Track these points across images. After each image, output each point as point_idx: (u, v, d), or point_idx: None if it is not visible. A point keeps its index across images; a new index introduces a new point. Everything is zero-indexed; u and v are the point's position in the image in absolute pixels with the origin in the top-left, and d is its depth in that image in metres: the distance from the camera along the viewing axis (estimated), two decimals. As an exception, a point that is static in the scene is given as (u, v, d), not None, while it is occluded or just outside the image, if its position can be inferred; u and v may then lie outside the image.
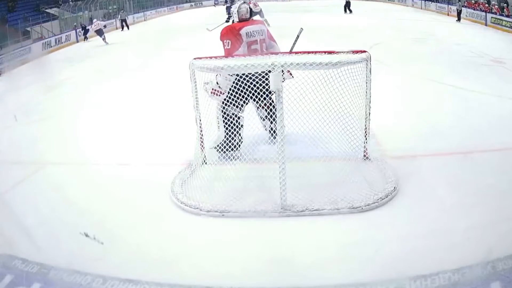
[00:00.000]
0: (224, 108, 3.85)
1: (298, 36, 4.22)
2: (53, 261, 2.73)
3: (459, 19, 16.29)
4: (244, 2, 4.13)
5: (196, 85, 3.67)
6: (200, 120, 3.78)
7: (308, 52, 3.27)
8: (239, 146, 3.83)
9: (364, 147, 3.86)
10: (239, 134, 3.83)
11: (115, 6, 22.61)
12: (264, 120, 4.12)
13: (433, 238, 2.84)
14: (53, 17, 17.84)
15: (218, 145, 3.94)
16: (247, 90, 3.46)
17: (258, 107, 4.03)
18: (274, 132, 3.70)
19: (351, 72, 3.50)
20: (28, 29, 15.36)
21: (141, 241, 3.00)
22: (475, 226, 2.93)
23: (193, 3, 29.79)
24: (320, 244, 2.90)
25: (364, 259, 2.69)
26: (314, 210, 3.20)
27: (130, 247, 2.93)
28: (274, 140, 3.69)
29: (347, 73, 3.47)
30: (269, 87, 3.20)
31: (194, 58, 3.52)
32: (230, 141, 3.77)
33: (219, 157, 3.92)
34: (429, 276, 2.46)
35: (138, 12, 22.66)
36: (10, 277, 2.62)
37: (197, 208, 3.31)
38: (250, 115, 3.96)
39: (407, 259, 2.64)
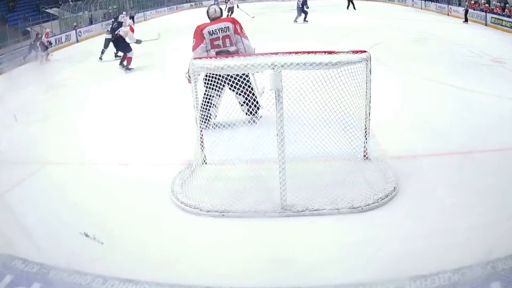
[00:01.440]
0: (205, 90, 4.12)
1: None
2: (53, 261, 2.73)
3: (466, 20, 16.00)
4: (214, 3, 4.75)
5: (196, 85, 3.67)
6: (200, 120, 3.78)
7: (308, 52, 3.28)
8: (209, 120, 3.91)
9: (364, 147, 3.86)
10: (207, 111, 3.92)
11: (115, 6, 22.60)
12: (242, 105, 4.28)
13: (433, 238, 2.84)
14: (53, 17, 17.84)
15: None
16: (218, 78, 3.67)
17: (236, 94, 4.29)
18: (252, 113, 4.06)
19: (351, 72, 3.50)
20: (28, 29, 15.35)
21: (141, 241, 3.00)
22: (475, 226, 2.93)
23: (193, 3, 29.77)
24: (320, 244, 2.90)
25: (364, 259, 2.69)
26: (314, 210, 3.20)
27: (130, 247, 2.94)
28: (255, 120, 3.92)
29: (347, 73, 3.47)
30: (242, 76, 3.49)
31: (194, 58, 3.52)
32: (203, 120, 3.91)
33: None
34: (429, 276, 2.46)
35: (138, 12, 22.62)
36: (10, 277, 2.62)
37: (197, 208, 3.31)
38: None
39: (407, 259, 2.64)
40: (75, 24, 17.26)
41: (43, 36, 12.71)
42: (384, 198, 3.30)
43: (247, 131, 3.98)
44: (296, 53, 3.30)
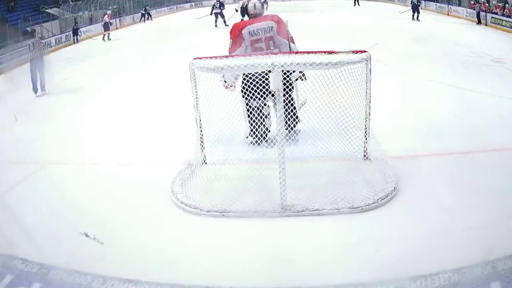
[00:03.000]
0: (246, 101, 3.84)
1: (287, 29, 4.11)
2: (53, 261, 2.73)
3: (479, 22, 15.48)
4: None
5: (196, 85, 3.67)
6: (200, 120, 3.78)
7: (308, 52, 3.28)
8: (266, 135, 3.77)
9: (364, 147, 3.86)
10: (263, 125, 3.76)
11: (115, 6, 22.60)
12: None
13: (433, 238, 2.84)
14: (53, 17, 17.84)
15: (247, 137, 4.04)
16: (260, 84, 3.43)
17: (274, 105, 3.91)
18: (290, 126, 3.89)
19: (351, 72, 3.50)
20: (28, 29, 15.34)
21: (141, 241, 3.00)
22: (475, 226, 2.93)
23: (193, 3, 29.76)
24: (320, 244, 2.90)
25: (364, 259, 2.69)
26: (314, 210, 3.20)
27: (130, 247, 2.94)
28: (294, 136, 3.83)
29: (347, 73, 3.47)
30: (285, 83, 3.25)
31: (194, 58, 3.52)
32: (254, 132, 3.76)
33: (249, 143, 3.96)
34: (429, 276, 2.46)
35: (138, 12, 22.63)
36: (10, 277, 2.62)
37: (197, 208, 3.31)
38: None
39: (407, 259, 2.64)
40: (75, 26, 17.25)
41: (105, 16, 16.06)
42: (384, 198, 3.30)
43: (247, 131, 3.99)
44: (296, 53, 3.30)
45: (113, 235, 3.02)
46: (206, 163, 3.95)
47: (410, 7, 16.85)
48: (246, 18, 4.36)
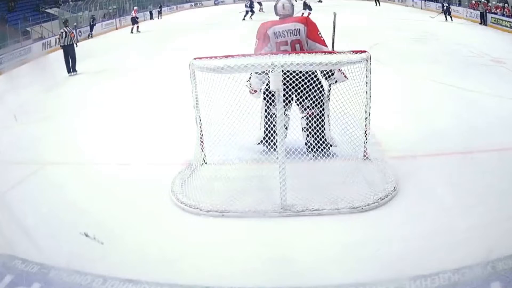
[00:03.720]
0: (266, 107, 3.75)
1: (334, 22, 3.98)
2: (53, 261, 2.73)
3: (483, 22, 15.48)
4: None
5: (196, 85, 3.67)
6: (200, 120, 3.78)
7: (308, 52, 3.28)
8: (273, 141, 3.47)
9: (364, 147, 3.86)
10: (273, 131, 3.46)
11: (115, 6, 22.60)
12: (303, 130, 3.78)
13: (433, 238, 2.83)
14: (53, 17, 17.84)
15: (258, 143, 3.93)
16: (285, 90, 3.20)
17: (301, 113, 3.73)
18: (313, 148, 3.58)
19: (351, 72, 3.50)
20: (28, 29, 15.35)
21: (141, 241, 3.00)
22: (475, 226, 2.92)
23: (193, 3, 29.78)
24: (320, 244, 2.89)
25: (364, 259, 2.69)
26: (314, 210, 3.20)
27: (130, 247, 2.93)
28: (311, 155, 3.58)
29: (347, 73, 3.47)
30: (309, 90, 3.09)
31: (194, 58, 3.52)
32: (267, 141, 3.57)
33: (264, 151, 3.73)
34: (429, 276, 2.45)
35: (138, 12, 22.63)
36: (10, 277, 2.62)
37: (197, 208, 3.31)
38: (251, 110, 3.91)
39: (407, 259, 2.64)
40: (75, 24, 17.26)
41: (133, 12, 18.36)
42: (384, 198, 3.30)
43: (247, 131, 3.99)
44: (296, 53, 3.30)
45: (113, 235, 3.02)
46: (206, 163, 3.95)
47: (441, 12, 17.21)
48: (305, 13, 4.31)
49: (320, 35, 3.77)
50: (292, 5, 3.86)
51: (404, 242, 2.82)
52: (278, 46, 3.70)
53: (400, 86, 6.69)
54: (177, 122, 5.04)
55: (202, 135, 3.82)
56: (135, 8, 19.22)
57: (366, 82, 3.66)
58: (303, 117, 3.68)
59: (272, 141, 3.36)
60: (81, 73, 9.62)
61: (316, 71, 3.26)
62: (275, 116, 3.22)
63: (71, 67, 9.52)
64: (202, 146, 3.87)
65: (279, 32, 3.69)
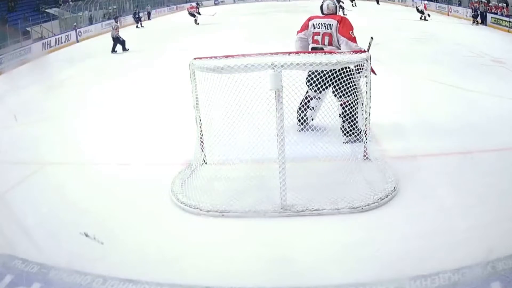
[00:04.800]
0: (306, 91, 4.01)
1: (370, 45, 4.48)
2: (53, 261, 2.73)
3: (482, 22, 15.29)
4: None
5: (196, 85, 3.67)
6: (200, 120, 3.78)
7: (308, 52, 3.28)
8: (302, 122, 3.91)
9: (364, 147, 3.86)
10: (303, 113, 3.94)
11: (115, 6, 22.60)
12: (339, 116, 4.06)
13: (433, 238, 2.84)
14: (53, 17, 17.84)
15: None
16: (322, 76, 3.57)
17: (338, 101, 4.05)
18: (347, 133, 4.04)
19: (351, 72, 3.50)
20: (28, 29, 15.34)
21: (141, 241, 3.00)
22: (475, 226, 2.93)
23: (193, 3, 29.76)
24: (320, 244, 2.90)
25: (364, 259, 2.69)
26: (314, 210, 3.20)
27: (130, 247, 2.93)
28: (347, 139, 4.01)
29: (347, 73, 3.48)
30: (343, 80, 3.39)
31: (194, 58, 3.52)
32: (297, 115, 3.91)
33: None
34: (429, 276, 2.46)
35: (140, 12, 22.62)
36: (10, 277, 2.62)
37: (197, 208, 3.31)
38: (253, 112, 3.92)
39: (407, 259, 2.64)
40: (75, 24, 17.27)
41: (187, 8, 19.73)
42: (384, 198, 3.30)
43: (247, 131, 3.99)
44: (296, 53, 3.30)
45: (113, 235, 3.02)
46: (206, 163, 3.95)
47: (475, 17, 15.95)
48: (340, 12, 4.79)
49: (351, 33, 4.20)
50: (335, 6, 4.49)
51: (404, 242, 2.82)
52: (313, 35, 4.34)
53: (400, 86, 6.69)
54: (177, 122, 5.05)
55: (202, 135, 3.82)
56: (192, 4, 20.19)
57: (366, 82, 3.66)
58: (340, 105, 4.04)
59: (298, 114, 3.80)
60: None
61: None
62: (309, 97, 3.81)
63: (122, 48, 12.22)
64: (202, 146, 3.88)
65: (316, 24, 4.33)
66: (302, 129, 3.76)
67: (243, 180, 3.56)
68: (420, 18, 16.92)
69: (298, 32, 4.53)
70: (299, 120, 3.85)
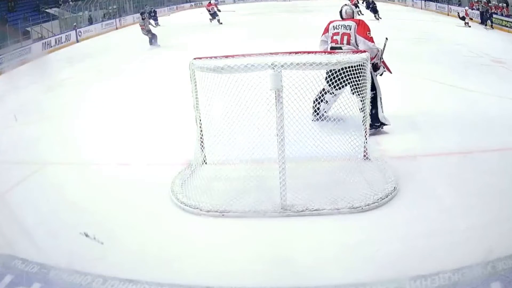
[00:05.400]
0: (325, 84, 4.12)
1: (385, 45, 4.81)
2: (53, 261, 2.73)
3: (483, 22, 14.86)
4: (345, 4, 5.07)
5: (196, 85, 3.67)
6: (200, 120, 3.79)
7: (308, 52, 3.28)
8: (316, 113, 3.99)
9: (364, 147, 3.86)
10: (318, 104, 4.03)
11: (115, 6, 22.60)
12: (360, 111, 4.22)
13: (433, 238, 2.84)
14: (53, 17, 17.83)
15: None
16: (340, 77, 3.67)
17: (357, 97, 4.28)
18: (371, 125, 4.29)
19: (351, 72, 3.50)
20: (28, 29, 15.33)
21: (141, 241, 3.00)
22: (475, 226, 2.93)
23: (193, 3, 29.79)
24: (320, 244, 2.90)
25: (364, 259, 2.69)
26: (314, 210, 3.20)
27: (130, 247, 2.94)
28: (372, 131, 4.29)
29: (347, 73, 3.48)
30: (360, 78, 3.58)
31: (194, 58, 3.52)
32: (313, 106, 4.04)
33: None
34: (429, 276, 2.46)
35: (138, 12, 22.65)
36: (10, 277, 2.62)
37: (197, 208, 3.31)
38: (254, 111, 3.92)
39: (407, 259, 2.64)
40: (75, 24, 17.27)
41: (206, 6, 18.12)
42: (384, 198, 3.30)
43: (247, 131, 3.99)
44: (296, 53, 3.30)
45: (113, 235, 3.02)
46: (206, 163, 3.95)
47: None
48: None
49: (368, 34, 4.66)
50: (352, 11, 5.02)
51: (404, 242, 2.82)
52: (332, 35, 4.75)
53: (400, 86, 6.67)
54: (177, 122, 5.05)
55: (202, 135, 3.82)
56: (213, 2, 18.09)
57: (366, 82, 3.66)
58: (360, 100, 4.20)
59: (314, 105, 3.98)
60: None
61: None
62: (325, 91, 4.08)
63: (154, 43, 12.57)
64: (202, 146, 3.88)
65: (336, 25, 4.78)
66: (317, 119, 3.87)
67: (243, 180, 3.55)
68: (465, 24, 15.30)
69: (321, 35, 4.99)
70: (315, 111, 4.00)
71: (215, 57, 3.38)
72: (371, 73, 4.13)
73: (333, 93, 4.26)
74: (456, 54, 9.31)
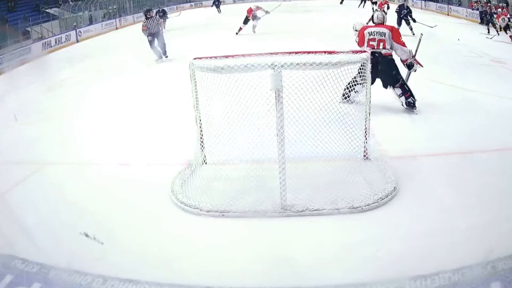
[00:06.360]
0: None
1: (420, 41, 5.66)
2: (53, 261, 2.73)
3: (482, 22, 13.86)
4: (376, 10, 5.76)
5: (196, 85, 3.67)
6: (200, 120, 3.79)
7: (308, 52, 3.28)
8: (346, 98, 4.12)
9: (364, 147, 3.86)
10: (348, 93, 4.18)
11: (115, 6, 22.60)
12: (399, 97, 5.36)
13: (433, 238, 2.84)
14: (53, 17, 17.82)
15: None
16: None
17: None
18: (409, 104, 5.32)
19: (351, 72, 3.50)
20: (28, 29, 15.32)
21: (141, 241, 3.00)
22: (475, 226, 2.93)
23: (193, 3, 29.77)
24: (320, 244, 2.90)
25: (364, 259, 2.69)
26: (314, 210, 3.20)
27: (130, 247, 2.94)
28: (412, 110, 5.32)
29: (347, 73, 3.48)
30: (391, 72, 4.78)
31: (194, 58, 3.52)
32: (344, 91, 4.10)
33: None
34: (429, 276, 2.46)
35: (138, 12, 22.63)
36: (10, 277, 2.62)
37: (197, 208, 3.31)
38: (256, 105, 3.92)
39: (407, 259, 2.65)
40: (75, 24, 17.26)
41: (247, 11, 13.83)
42: (384, 198, 3.30)
43: (247, 131, 3.99)
44: (296, 53, 3.30)
45: (113, 235, 3.02)
46: (206, 163, 3.95)
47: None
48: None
49: (401, 40, 5.36)
50: (383, 16, 5.59)
51: (404, 242, 2.83)
52: (368, 41, 5.33)
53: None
54: (177, 122, 5.05)
55: (202, 135, 3.82)
56: (260, 7, 13.67)
57: (366, 82, 3.66)
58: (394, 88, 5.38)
59: (345, 96, 4.14)
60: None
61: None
62: (357, 83, 4.13)
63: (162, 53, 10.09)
64: (202, 146, 3.88)
65: (371, 31, 5.36)
66: (343, 102, 3.97)
67: (243, 180, 3.56)
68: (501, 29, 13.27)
69: (359, 44, 5.48)
70: (343, 95, 4.11)
71: (215, 57, 3.38)
72: (409, 71, 5.45)
73: (363, 84, 4.32)
74: (456, 54, 9.29)
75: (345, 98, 4.11)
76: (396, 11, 12.59)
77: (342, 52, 3.34)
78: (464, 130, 4.69)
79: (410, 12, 12.36)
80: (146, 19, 10.11)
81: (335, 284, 2.50)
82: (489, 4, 15.19)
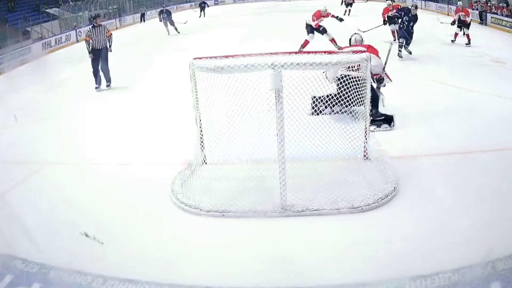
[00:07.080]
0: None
1: (389, 52, 5.42)
2: (53, 261, 2.73)
3: (484, 22, 13.98)
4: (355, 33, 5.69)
5: (196, 85, 3.67)
6: (200, 120, 3.79)
7: (308, 52, 3.28)
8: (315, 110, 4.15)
9: (364, 147, 3.86)
10: (324, 107, 4.11)
11: (115, 6, 22.60)
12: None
13: (433, 238, 2.84)
14: (53, 17, 17.82)
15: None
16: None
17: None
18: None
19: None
20: (28, 29, 15.32)
21: (141, 241, 3.00)
22: (475, 226, 2.93)
23: (193, 3, 29.77)
24: (320, 244, 2.90)
25: (364, 259, 2.69)
26: (314, 210, 3.20)
27: (130, 247, 2.94)
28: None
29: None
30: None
31: (194, 58, 3.52)
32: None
33: None
34: (429, 276, 2.46)
35: (138, 12, 22.61)
36: (10, 277, 2.62)
37: (197, 208, 3.31)
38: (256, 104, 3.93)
39: (407, 259, 2.65)
40: (75, 24, 17.25)
41: (313, 19, 11.04)
42: (384, 198, 3.30)
43: (247, 131, 3.99)
44: (296, 53, 3.30)
45: (113, 235, 3.02)
46: (206, 163, 3.95)
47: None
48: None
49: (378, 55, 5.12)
50: (362, 39, 5.52)
51: (404, 242, 2.83)
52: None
53: (400, 86, 6.67)
54: (177, 122, 5.05)
55: (202, 135, 3.82)
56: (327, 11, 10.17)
57: (366, 82, 3.66)
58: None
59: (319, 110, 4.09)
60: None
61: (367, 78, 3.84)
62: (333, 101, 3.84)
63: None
64: (202, 146, 3.88)
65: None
66: (313, 114, 3.98)
67: (243, 180, 3.55)
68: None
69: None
70: (314, 108, 4.09)
71: (215, 57, 3.38)
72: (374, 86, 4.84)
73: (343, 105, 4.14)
74: (456, 54, 9.30)
75: (316, 112, 3.99)
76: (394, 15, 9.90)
77: (342, 52, 3.34)
78: (464, 130, 4.69)
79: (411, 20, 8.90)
80: (92, 27, 7.88)
81: (335, 284, 2.50)
82: (488, 4, 15.20)
